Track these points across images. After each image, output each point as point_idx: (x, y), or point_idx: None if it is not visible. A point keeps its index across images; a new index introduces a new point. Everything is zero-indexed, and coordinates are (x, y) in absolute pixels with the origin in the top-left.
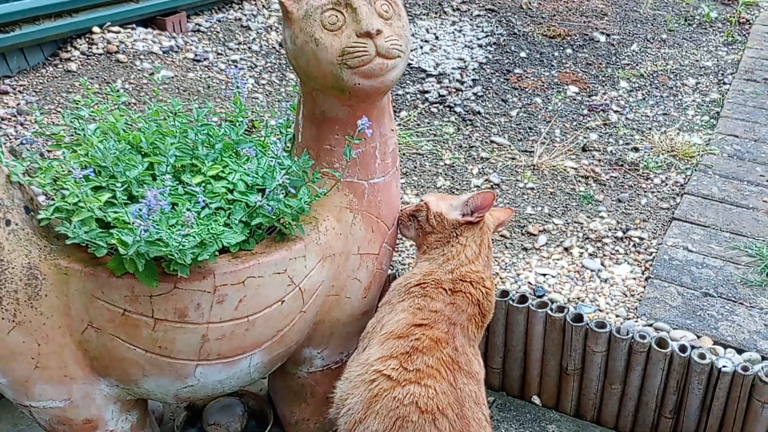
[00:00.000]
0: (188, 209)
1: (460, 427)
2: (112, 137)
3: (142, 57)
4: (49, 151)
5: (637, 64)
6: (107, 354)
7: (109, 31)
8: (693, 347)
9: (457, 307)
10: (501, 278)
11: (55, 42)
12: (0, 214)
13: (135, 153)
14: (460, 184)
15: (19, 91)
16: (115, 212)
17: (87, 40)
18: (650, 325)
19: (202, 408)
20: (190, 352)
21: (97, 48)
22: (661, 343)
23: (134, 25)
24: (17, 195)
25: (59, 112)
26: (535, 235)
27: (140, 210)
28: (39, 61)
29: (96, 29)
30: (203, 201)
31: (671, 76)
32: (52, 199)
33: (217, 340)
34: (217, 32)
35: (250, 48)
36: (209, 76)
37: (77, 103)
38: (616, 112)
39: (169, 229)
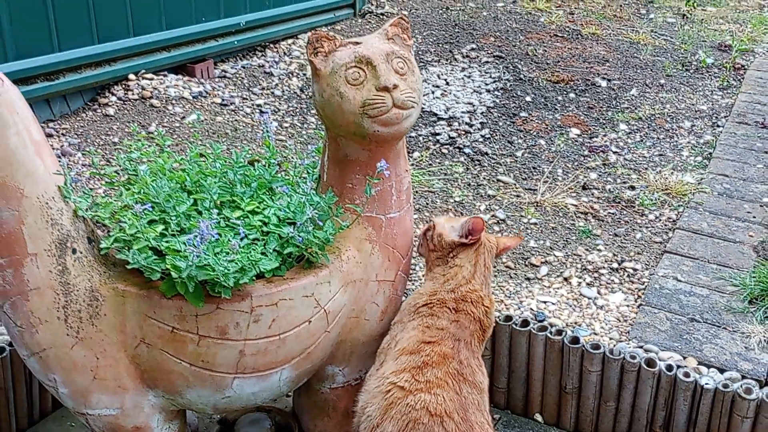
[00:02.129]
0: (230, 239)
1: (465, 428)
2: (162, 177)
3: (173, 102)
4: (91, 189)
5: (636, 108)
6: (156, 367)
7: (143, 78)
8: (679, 366)
9: (460, 325)
10: (505, 305)
11: (94, 89)
12: (68, 244)
13: (180, 191)
14: None
15: (62, 134)
16: (167, 242)
17: (123, 86)
18: (640, 347)
19: (233, 422)
20: (228, 365)
21: (133, 94)
22: (650, 362)
23: (166, 72)
24: (81, 227)
25: (99, 153)
26: (537, 266)
27: (195, 238)
28: (79, 106)
29: (132, 76)
30: (243, 232)
31: (668, 119)
32: (110, 231)
33: (253, 355)
34: (242, 78)
35: (273, 93)
36: (236, 120)
37: (129, 147)
38: (615, 153)
39: (215, 256)
